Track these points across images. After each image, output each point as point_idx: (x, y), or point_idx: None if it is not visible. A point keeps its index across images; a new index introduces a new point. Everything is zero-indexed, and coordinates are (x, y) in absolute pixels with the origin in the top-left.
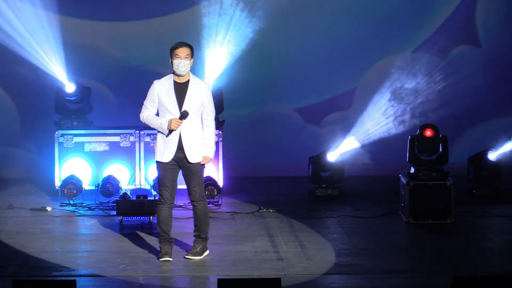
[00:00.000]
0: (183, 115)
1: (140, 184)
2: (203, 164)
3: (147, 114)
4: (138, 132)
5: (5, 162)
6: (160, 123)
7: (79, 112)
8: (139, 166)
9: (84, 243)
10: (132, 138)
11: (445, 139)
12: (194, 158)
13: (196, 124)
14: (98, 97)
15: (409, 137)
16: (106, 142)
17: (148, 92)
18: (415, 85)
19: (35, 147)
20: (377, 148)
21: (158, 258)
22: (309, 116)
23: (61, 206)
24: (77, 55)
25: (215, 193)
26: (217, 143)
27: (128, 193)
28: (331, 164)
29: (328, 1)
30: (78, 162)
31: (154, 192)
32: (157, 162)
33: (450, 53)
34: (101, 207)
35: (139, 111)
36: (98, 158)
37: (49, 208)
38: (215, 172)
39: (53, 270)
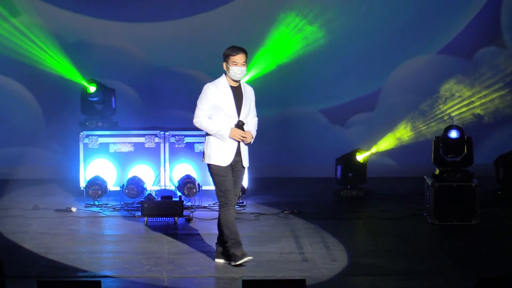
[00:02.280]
0: (240, 125)
1: (165, 185)
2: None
3: (204, 119)
4: (163, 133)
5: (30, 162)
6: (220, 130)
7: (103, 113)
8: (164, 167)
9: (109, 244)
10: (157, 139)
11: (470, 141)
12: (247, 162)
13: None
14: (123, 98)
15: (434, 138)
16: (131, 143)
17: (203, 95)
18: (440, 86)
19: (60, 148)
20: (401, 149)
21: (235, 263)
22: (334, 117)
23: (86, 207)
24: (102, 56)
25: (240, 194)
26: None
27: (153, 194)
28: (360, 165)
29: (353, 2)
30: (103, 163)
31: (179, 193)
32: (213, 166)
33: (475, 54)
34: (126, 208)
35: (164, 112)
36: (123, 159)
37: (74, 209)
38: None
39: (78, 271)
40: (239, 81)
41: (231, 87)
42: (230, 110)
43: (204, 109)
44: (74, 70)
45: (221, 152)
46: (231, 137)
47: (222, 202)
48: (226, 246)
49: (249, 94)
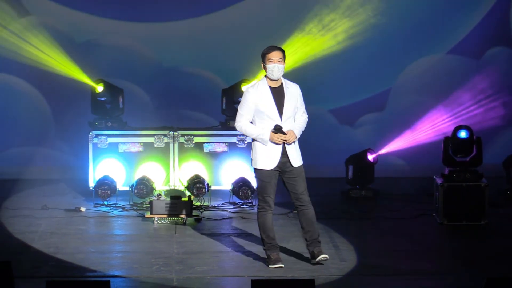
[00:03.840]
0: (278, 130)
1: (174, 185)
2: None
3: (244, 123)
4: (172, 133)
5: (39, 162)
6: (260, 134)
7: (112, 113)
8: (173, 167)
9: (118, 243)
10: (166, 139)
11: (479, 141)
12: (297, 161)
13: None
14: (133, 98)
15: (443, 138)
16: (140, 143)
17: (243, 100)
18: (449, 86)
19: (69, 148)
20: (411, 149)
21: (268, 265)
22: (343, 117)
23: (95, 206)
24: (112, 56)
25: (249, 194)
26: (250, 144)
27: (162, 194)
28: (370, 165)
29: (362, 2)
30: (112, 163)
31: (188, 193)
32: (258, 170)
33: (485, 54)
34: (135, 208)
35: (173, 112)
36: (132, 159)
37: (83, 209)
38: (249, 173)
39: (87, 270)
40: (279, 80)
41: (271, 88)
42: (271, 112)
43: (244, 114)
44: (83, 70)
45: (266, 156)
46: (273, 141)
47: (261, 207)
48: (263, 248)
49: (292, 93)
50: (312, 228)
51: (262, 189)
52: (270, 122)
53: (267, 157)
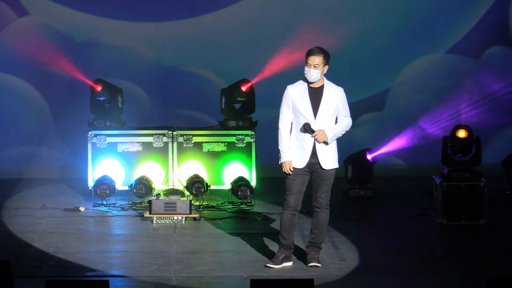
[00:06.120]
0: (306, 128)
1: (173, 185)
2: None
3: (283, 128)
4: (171, 132)
5: (39, 162)
6: (282, 150)
7: (112, 113)
8: (172, 166)
9: (117, 243)
10: (165, 139)
11: (478, 140)
12: (328, 164)
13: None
14: (132, 98)
15: (442, 138)
16: (139, 142)
17: (283, 98)
18: (448, 86)
19: (69, 147)
20: (410, 149)
21: (269, 262)
22: None
23: (94, 206)
24: (111, 56)
25: (248, 194)
26: (250, 143)
27: (161, 194)
28: (369, 164)
29: (361, 2)
30: (111, 162)
31: (187, 193)
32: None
33: (484, 53)
34: (134, 207)
35: (172, 111)
36: (131, 159)
37: (82, 209)
38: (248, 173)
39: (86, 270)
40: (321, 81)
41: (310, 88)
42: (305, 111)
43: (284, 112)
44: (82, 70)
45: (296, 154)
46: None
47: (283, 203)
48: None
49: (333, 95)
50: (318, 232)
51: (287, 186)
52: (305, 121)
53: (298, 156)
